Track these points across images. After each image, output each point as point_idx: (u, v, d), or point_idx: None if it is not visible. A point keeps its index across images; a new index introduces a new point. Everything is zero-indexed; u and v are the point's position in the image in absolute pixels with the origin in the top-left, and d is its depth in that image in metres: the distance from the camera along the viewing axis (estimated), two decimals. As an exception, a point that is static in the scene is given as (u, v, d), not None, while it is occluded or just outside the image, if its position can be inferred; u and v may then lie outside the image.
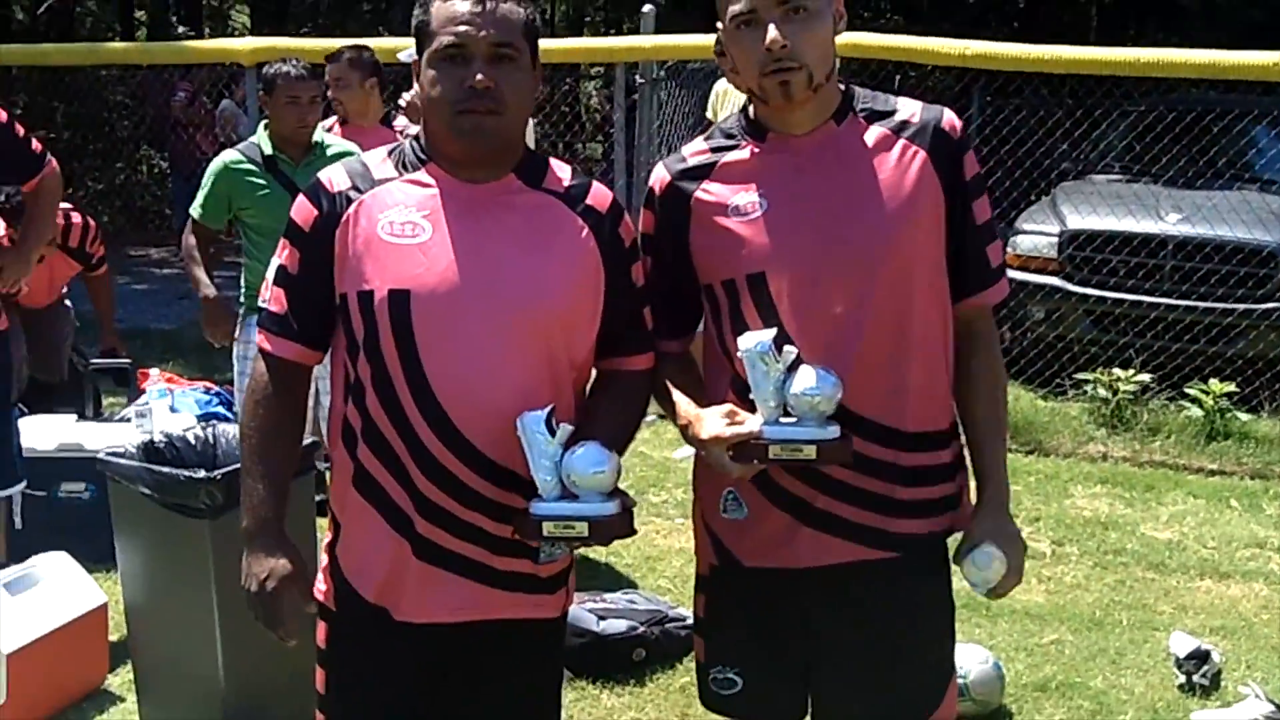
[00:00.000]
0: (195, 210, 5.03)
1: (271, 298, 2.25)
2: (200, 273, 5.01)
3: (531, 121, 5.12)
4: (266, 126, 4.99)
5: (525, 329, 2.13)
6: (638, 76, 7.90)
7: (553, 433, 2.06)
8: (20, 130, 3.84)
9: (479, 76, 2.07)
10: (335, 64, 5.66)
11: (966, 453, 2.35)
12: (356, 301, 2.14)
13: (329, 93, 5.63)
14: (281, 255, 2.24)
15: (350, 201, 2.17)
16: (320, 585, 2.29)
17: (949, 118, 2.26)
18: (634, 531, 2.12)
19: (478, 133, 2.10)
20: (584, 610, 4.20)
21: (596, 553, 5.05)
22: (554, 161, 2.27)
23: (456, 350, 2.11)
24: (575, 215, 2.20)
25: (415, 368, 2.11)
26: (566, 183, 2.23)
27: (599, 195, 2.24)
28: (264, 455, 2.24)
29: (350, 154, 5.04)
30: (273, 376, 2.25)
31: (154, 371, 6.21)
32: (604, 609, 4.27)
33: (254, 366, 2.29)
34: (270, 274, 2.26)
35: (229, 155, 4.98)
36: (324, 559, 2.30)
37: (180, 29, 16.44)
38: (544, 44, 8.72)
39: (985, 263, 2.30)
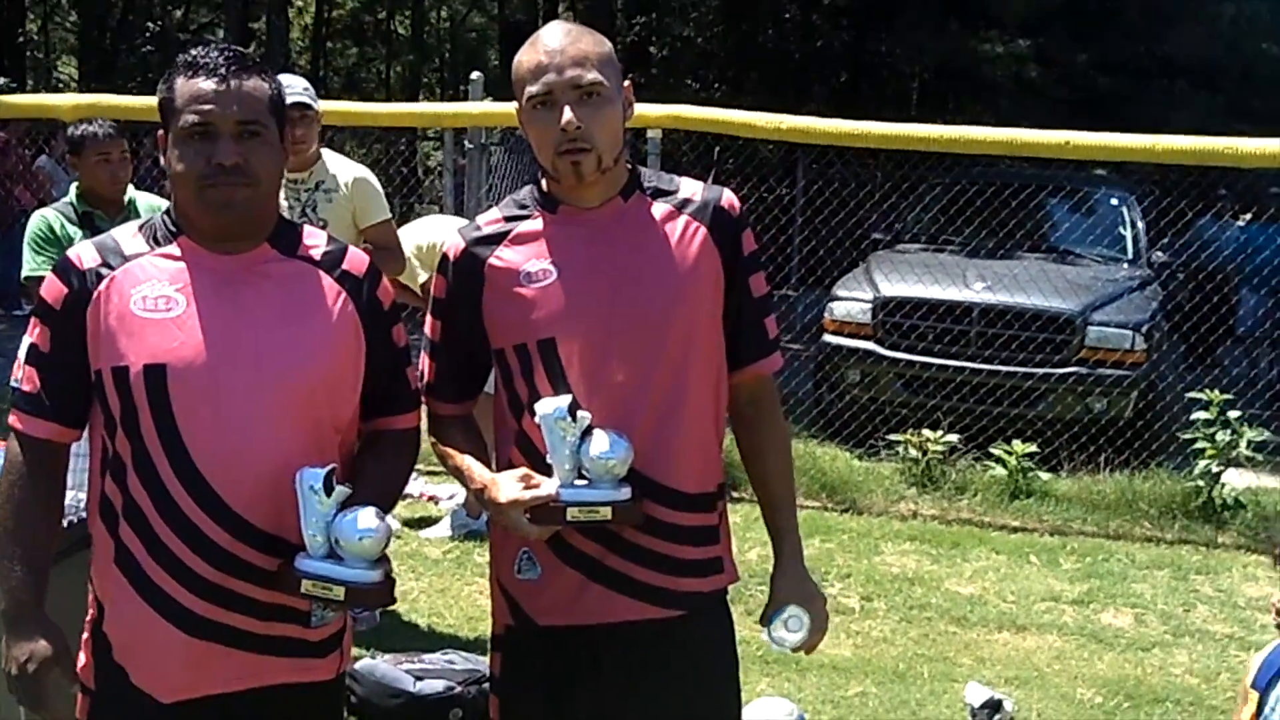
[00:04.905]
0: (29, 273, 4.77)
1: (24, 377, 2.20)
2: None
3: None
4: (78, 186, 4.94)
5: (288, 398, 2.14)
6: (467, 141, 8.01)
7: (329, 492, 2.07)
8: None
9: (226, 154, 2.10)
10: None
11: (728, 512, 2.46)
12: (111, 378, 2.12)
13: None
14: (33, 334, 2.21)
15: (101, 278, 2.15)
16: (80, 659, 2.24)
17: (728, 197, 2.41)
18: (393, 600, 2.15)
19: (228, 205, 2.11)
20: (400, 670, 4.20)
21: (418, 612, 5.09)
22: (307, 229, 2.30)
23: (218, 422, 2.10)
24: (332, 281, 2.23)
25: (175, 442, 2.09)
26: (321, 249, 2.26)
27: (355, 260, 2.28)
28: (20, 537, 2.19)
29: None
30: (27, 456, 2.21)
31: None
32: (421, 669, 4.27)
33: (8, 447, 2.24)
34: (22, 353, 2.21)
35: (46, 213, 4.89)
36: (84, 634, 2.25)
37: (1, 80, 15.93)
38: (380, 107, 8.67)
39: (763, 334, 2.44)
